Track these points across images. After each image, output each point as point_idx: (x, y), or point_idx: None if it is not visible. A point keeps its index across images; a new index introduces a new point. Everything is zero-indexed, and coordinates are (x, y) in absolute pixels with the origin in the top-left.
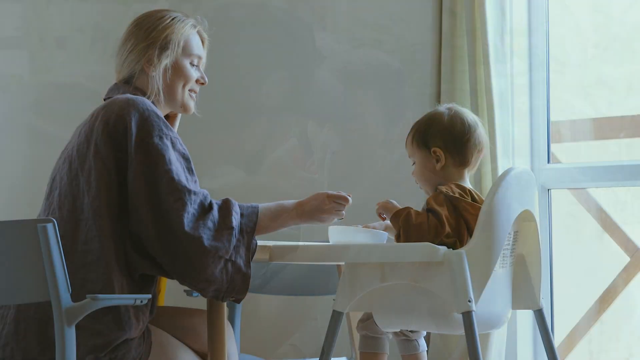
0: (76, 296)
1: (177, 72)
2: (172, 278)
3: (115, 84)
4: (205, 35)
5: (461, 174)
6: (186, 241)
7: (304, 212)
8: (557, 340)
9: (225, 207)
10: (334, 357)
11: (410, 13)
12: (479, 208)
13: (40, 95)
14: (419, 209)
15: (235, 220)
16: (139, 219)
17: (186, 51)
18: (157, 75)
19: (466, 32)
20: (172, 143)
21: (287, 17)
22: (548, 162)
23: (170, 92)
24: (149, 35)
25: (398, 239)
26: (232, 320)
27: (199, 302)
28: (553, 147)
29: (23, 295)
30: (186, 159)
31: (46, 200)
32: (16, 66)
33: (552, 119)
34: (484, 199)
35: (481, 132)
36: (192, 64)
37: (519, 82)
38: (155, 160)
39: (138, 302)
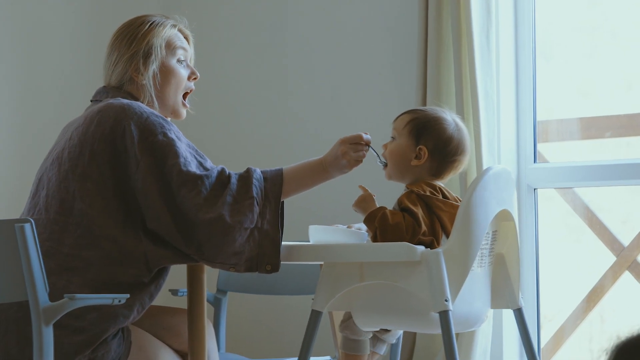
0: (59, 297)
1: (166, 75)
2: (198, 262)
3: (104, 87)
4: (187, 32)
5: (430, 179)
6: (208, 225)
7: (327, 164)
8: (544, 339)
9: (246, 176)
10: (318, 356)
11: (396, 12)
12: (451, 205)
13: (26, 91)
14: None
15: (256, 187)
16: (155, 217)
17: (170, 49)
18: (148, 83)
19: (452, 31)
20: (177, 135)
21: (274, 13)
22: (534, 161)
23: (162, 97)
24: (131, 45)
25: (375, 239)
26: (217, 319)
27: (182, 301)
28: (540, 146)
29: (1, 294)
30: (192, 147)
31: (31, 200)
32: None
33: (539, 118)
34: (455, 196)
35: (467, 159)
36: (179, 61)
37: (505, 82)
38: (162, 157)
39: (116, 302)
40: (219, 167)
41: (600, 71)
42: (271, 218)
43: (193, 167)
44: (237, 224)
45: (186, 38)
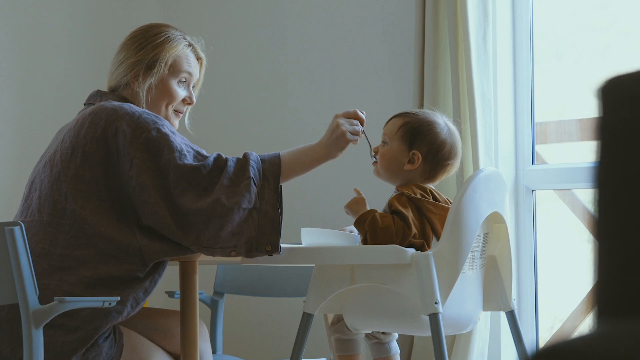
0: (51, 298)
1: (160, 91)
2: (196, 253)
3: (98, 90)
4: (201, 55)
5: (421, 182)
6: (206, 211)
7: (323, 141)
8: (542, 341)
9: (243, 159)
10: (314, 358)
11: (394, 13)
12: (442, 207)
13: (24, 93)
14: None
15: (253, 168)
16: (151, 212)
17: (174, 70)
18: (142, 93)
19: (448, 32)
20: (171, 130)
21: (272, 14)
22: (532, 163)
23: (153, 111)
24: (139, 52)
25: (365, 242)
26: (214, 321)
27: (179, 303)
28: (539, 148)
29: None
30: (186, 140)
31: (24, 202)
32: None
33: (538, 120)
34: (446, 198)
35: (459, 162)
36: (180, 82)
37: (503, 83)
38: (157, 152)
39: (106, 304)
40: (215, 154)
41: (607, 71)
42: (270, 198)
43: (189, 159)
44: (235, 205)
45: (199, 59)
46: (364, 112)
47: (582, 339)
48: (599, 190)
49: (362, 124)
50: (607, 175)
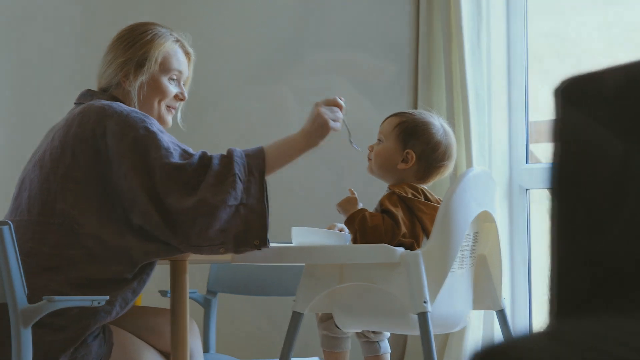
0: (39, 297)
1: (152, 88)
2: (185, 253)
3: (88, 90)
4: (189, 50)
5: (414, 182)
6: (193, 210)
7: (306, 132)
8: None
9: (227, 155)
10: (305, 357)
11: (388, 10)
12: (433, 207)
13: (20, 94)
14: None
15: (238, 164)
16: (141, 212)
17: (164, 67)
18: (133, 91)
19: (442, 30)
20: (159, 129)
21: (272, 13)
22: (526, 162)
23: (145, 108)
24: (128, 50)
25: (355, 241)
26: (207, 320)
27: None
28: (533, 147)
29: None
30: (174, 139)
31: (14, 202)
32: None
33: (533, 118)
34: (437, 198)
35: (453, 164)
36: (171, 79)
37: (497, 81)
38: (144, 151)
39: (95, 304)
40: (200, 152)
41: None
42: (256, 193)
43: (175, 158)
44: (221, 203)
45: (187, 55)
46: (343, 99)
47: (522, 340)
48: (554, 191)
49: (341, 111)
50: (561, 177)
